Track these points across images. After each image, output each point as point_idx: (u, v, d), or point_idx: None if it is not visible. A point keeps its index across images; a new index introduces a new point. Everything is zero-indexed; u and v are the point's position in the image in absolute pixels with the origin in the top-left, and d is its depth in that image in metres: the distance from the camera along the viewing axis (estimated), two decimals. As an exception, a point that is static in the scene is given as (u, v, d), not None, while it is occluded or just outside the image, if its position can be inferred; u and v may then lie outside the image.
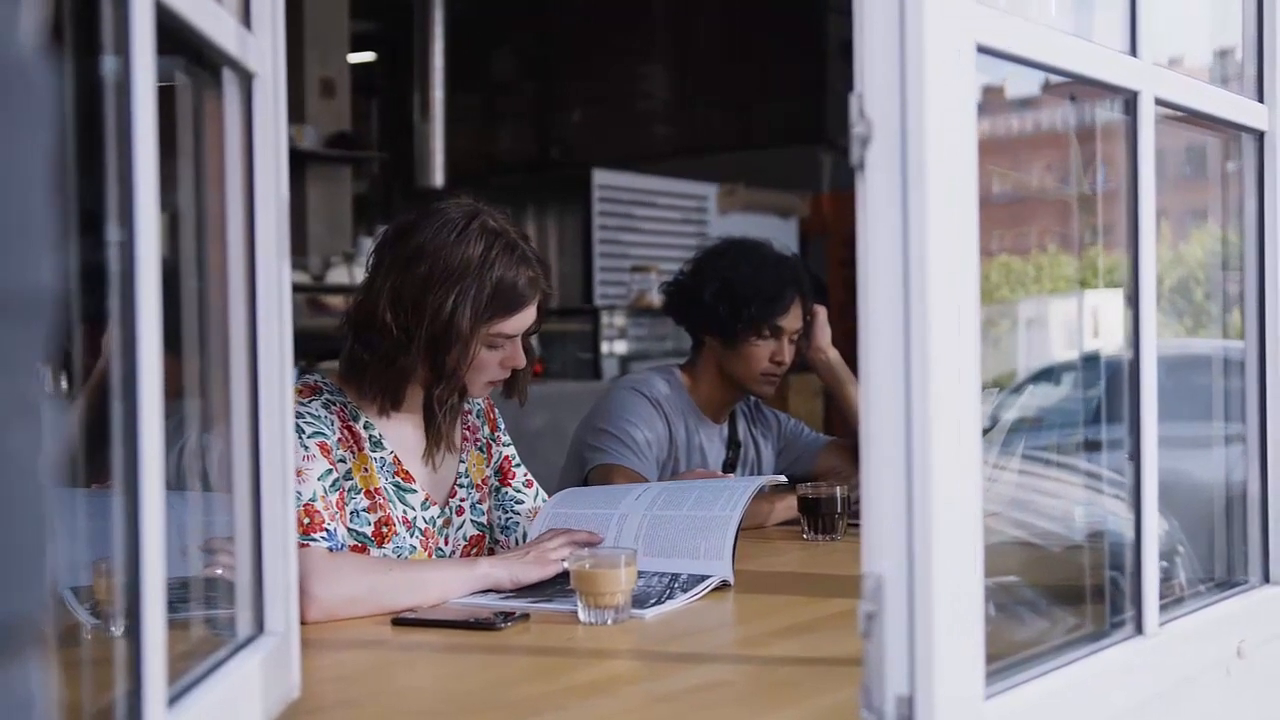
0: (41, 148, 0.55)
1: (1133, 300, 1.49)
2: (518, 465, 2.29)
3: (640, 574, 1.90)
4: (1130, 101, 1.48)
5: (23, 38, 0.55)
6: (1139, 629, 1.49)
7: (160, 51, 0.99)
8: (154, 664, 0.95)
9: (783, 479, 2.37)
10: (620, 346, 7.05)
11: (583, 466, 2.81)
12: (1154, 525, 1.51)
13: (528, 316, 2.05)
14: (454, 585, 1.88)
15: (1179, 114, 1.62)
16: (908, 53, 1.13)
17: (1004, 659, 1.30)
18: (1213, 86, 1.73)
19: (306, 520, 1.86)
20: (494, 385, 2.11)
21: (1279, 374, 1.78)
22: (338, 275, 6.78)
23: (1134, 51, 1.47)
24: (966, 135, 1.18)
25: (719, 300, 2.85)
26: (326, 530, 1.89)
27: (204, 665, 1.17)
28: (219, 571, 1.36)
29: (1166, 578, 1.73)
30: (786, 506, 2.66)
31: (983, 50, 1.21)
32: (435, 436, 2.07)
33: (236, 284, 1.28)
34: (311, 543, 1.85)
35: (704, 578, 1.97)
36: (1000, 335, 1.80)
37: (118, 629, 1.41)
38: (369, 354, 2.01)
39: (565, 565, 1.87)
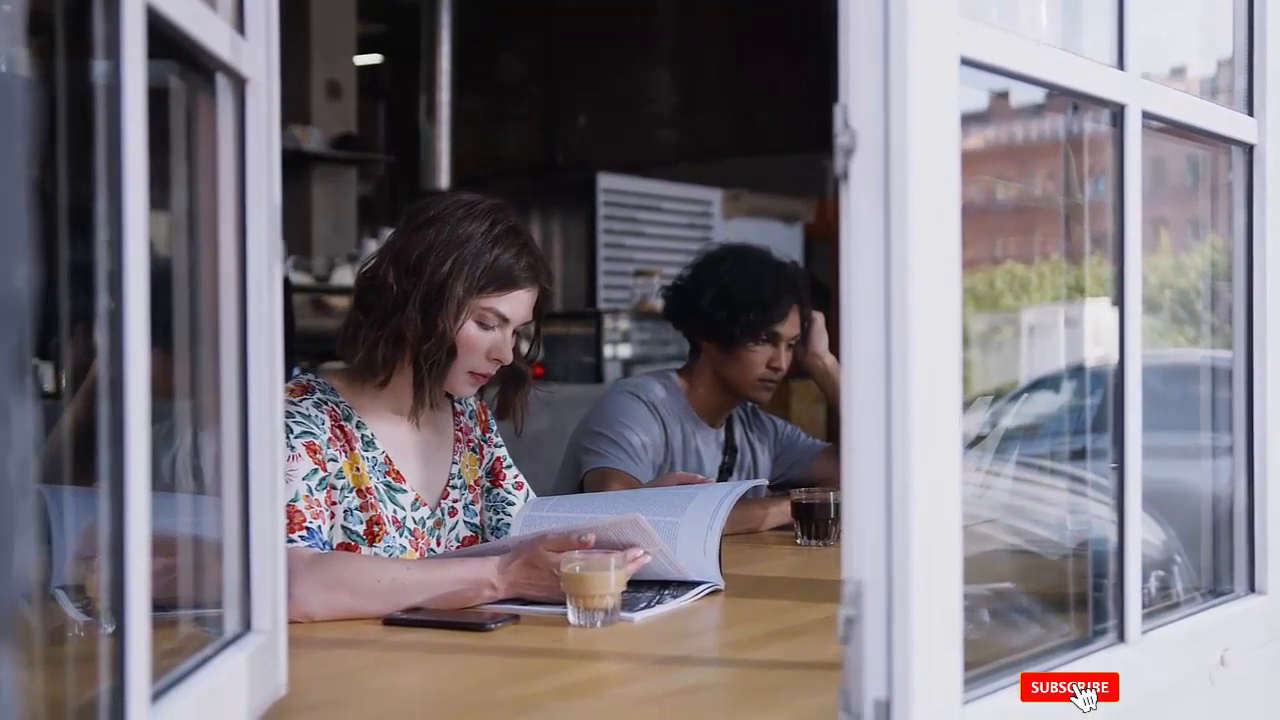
0: (16, 158, 0.56)
1: (1118, 312, 1.50)
2: (509, 467, 2.30)
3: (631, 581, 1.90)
4: (1118, 115, 1.49)
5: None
6: (1121, 637, 1.50)
7: (153, 56, 1.01)
8: (137, 659, 0.97)
9: (762, 482, 2.38)
10: (623, 350, 7.06)
11: (579, 469, 2.82)
12: (1137, 533, 1.52)
13: (520, 302, 2.08)
14: (444, 597, 1.83)
15: (1168, 127, 1.63)
16: (891, 64, 1.14)
17: (985, 665, 1.31)
18: (1201, 100, 1.74)
19: (285, 521, 1.86)
20: (477, 380, 2.12)
21: (1266, 385, 1.79)
22: (342, 276, 6.79)
23: (1121, 64, 1.49)
24: (949, 147, 1.19)
25: (717, 306, 2.86)
26: (307, 529, 1.91)
27: (189, 662, 1.18)
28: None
29: (1164, 586, 1.74)
30: (780, 512, 2.67)
31: (967, 63, 1.22)
32: (420, 395, 2.09)
33: (228, 287, 1.30)
34: (289, 543, 1.85)
35: (696, 583, 1.98)
36: (1003, 342, 1.81)
37: (109, 626, 1.43)
38: (365, 316, 2.05)
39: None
